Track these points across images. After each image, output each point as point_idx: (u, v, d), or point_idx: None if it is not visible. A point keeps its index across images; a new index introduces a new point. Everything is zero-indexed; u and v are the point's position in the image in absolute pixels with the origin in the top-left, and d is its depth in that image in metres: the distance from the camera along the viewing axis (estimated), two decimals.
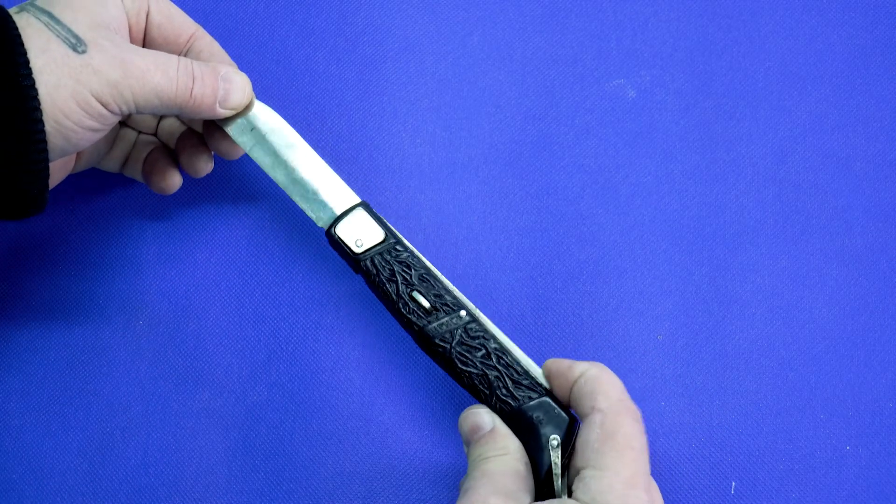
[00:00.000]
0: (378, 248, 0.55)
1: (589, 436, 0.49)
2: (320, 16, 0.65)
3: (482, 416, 0.52)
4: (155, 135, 0.61)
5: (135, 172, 0.60)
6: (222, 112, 0.55)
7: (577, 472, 0.49)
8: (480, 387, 0.53)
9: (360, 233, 0.55)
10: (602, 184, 0.62)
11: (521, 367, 0.53)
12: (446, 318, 0.53)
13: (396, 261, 0.55)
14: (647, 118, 0.63)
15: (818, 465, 0.58)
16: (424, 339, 0.53)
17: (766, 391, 0.59)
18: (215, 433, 0.59)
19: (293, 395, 0.59)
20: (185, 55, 0.57)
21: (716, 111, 0.63)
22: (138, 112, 0.52)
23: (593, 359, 0.59)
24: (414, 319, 0.53)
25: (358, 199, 0.56)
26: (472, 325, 0.53)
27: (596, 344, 0.60)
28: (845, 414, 0.59)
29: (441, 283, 0.54)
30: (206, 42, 0.57)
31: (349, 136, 0.63)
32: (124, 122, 0.60)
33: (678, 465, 0.58)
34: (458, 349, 0.53)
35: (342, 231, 0.55)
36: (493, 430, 0.52)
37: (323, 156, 0.63)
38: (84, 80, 0.49)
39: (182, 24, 0.56)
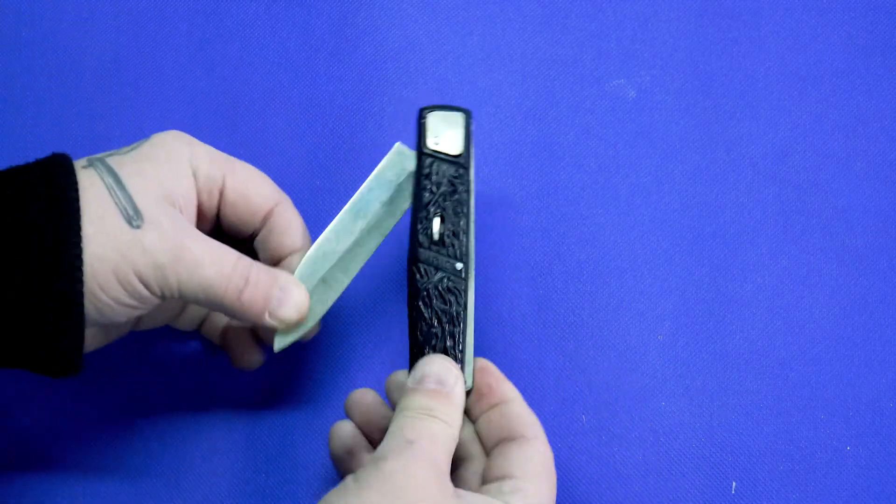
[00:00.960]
0: (448, 159, 0.53)
1: (530, 453, 0.49)
2: (321, 17, 0.65)
3: (451, 373, 0.50)
4: None
5: (213, 337, 0.58)
6: (269, 322, 0.51)
7: (505, 477, 0.48)
8: (418, 332, 0.51)
9: (444, 134, 0.54)
10: (602, 184, 0.62)
11: (462, 347, 0.51)
12: (442, 258, 0.52)
13: (449, 180, 0.53)
14: (647, 118, 0.63)
15: (818, 465, 0.58)
16: (412, 258, 0.52)
17: (767, 391, 0.59)
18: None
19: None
20: (259, 232, 0.54)
21: (716, 111, 0.63)
22: (182, 300, 0.49)
23: (594, 359, 0.59)
24: (418, 236, 0.52)
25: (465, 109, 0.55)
26: (456, 282, 0.52)
27: (596, 344, 0.60)
28: (846, 414, 0.59)
29: (465, 230, 0.53)
30: (285, 219, 0.53)
31: (350, 137, 0.63)
32: None
33: (678, 465, 0.58)
34: (431, 289, 0.52)
35: (432, 120, 0.54)
36: (453, 393, 0.49)
37: (323, 157, 0.63)
38: (130, 257, 0.46)
39: (259, 203, 0.53)
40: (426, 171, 0.53)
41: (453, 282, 0.52)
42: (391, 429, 0.47)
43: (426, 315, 0.51)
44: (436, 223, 0.53)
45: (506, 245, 0.62)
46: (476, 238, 0.62)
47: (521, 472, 0.48)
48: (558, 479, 0.57)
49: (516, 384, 0.59)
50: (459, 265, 0.52)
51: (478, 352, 0.59)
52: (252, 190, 0.53)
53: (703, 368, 0.59)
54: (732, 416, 0.58)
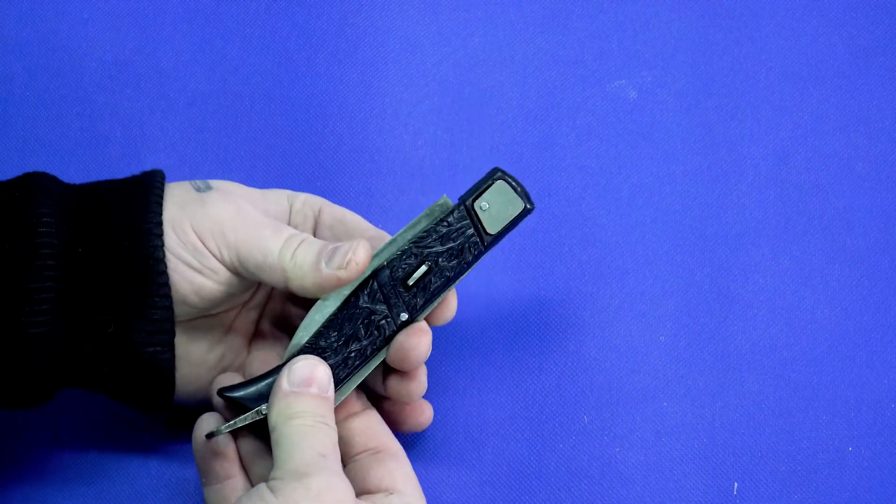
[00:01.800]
0: (478, 227, 0.51)
1: (407, 469, 0.50)
2: (321, 17, 0.65)
3: (328, 376, 0.50)
4: None
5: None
6: (327, 272, 0.49)
7: (392, 491, 0.49)
8: (321, 337, 0.51)
9: (495, 207, 0.51)
10: (603, 184, 0.62)
11: (344, 378, 0.51)
12: (398, 300, 0.51)
13: (463, 245, 0.51)
14: (648, 119, 0.63)
15: (820, 466, 0.58)
16: (373, 275, 0.51)
17: (769, 392, 0.59)
18: None
19: None
20: None
21: (717, 112, 0.63)
22: (240, 266, 0.49)
23: (596, 360, 0.59)
24: (395, 265, 0.51)
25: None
26: (388, 328, 0.51)
27: (598, 345, 0.59)
28: (847, 415, 0.58)
29: (435, 296, 0.51)
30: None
31: (350, 138, 0.63)
32: None
33: (680, 466, 0.58)
34: (364, 315, 0.51)
35: (497, 188, 0.51)
36: (331, 397, 0.49)
37: (324, 157, 0.63)
38: (189, 211, 0.49)
39: (356, 226, 0.53)
40: (452, 222, 0.51)
41: (388, 326, 0.51)
42: (290, 436, 0.47)
43: (344, 329, 0.51)
44: (420, 270, 0.51)
45: (507, 246, 0.61)
46: None
47: (405, 485, 0.49)
48: (561, 478, 0.57)
49: (518, 385, 0.59)
50: (405, 316, 0.51)
51: (478, 352, 0.59)
52: (349, 215, 0.54)
53: (704, 369, 0.59)
54: (734, 417, 0.58)
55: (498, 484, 0.57)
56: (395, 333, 0.51)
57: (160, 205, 0.49)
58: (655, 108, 0.64)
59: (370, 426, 0.52)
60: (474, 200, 0.51)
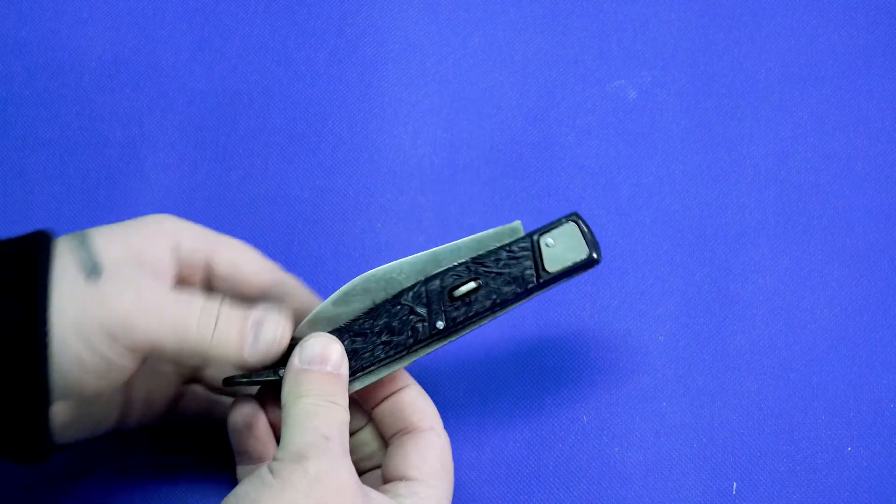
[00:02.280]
0: (537, 263, 0.50)
1: (425, 450, 0.49)
2: (321, 16, 0.65)
3: (339, 354, 0.48)
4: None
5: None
6: (249, 358, 0.47)
7: (402, 479, 0.49)
8: (360, 322, 0.50)
9: (559, 247, 0.50)
10: (603, 184, 0.62)
11: (370, 368, 0.50)
12: (440, 308, 0.50)
13: (516, 275, 0.50)
14: (648, 119, 0.63)
15: (820, 466, 0.58)
16: (431, 280, 0.51)
17: (768, 392, 0.59)
18: None
19: None
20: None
21: (717, 112, 0.63)
22: (153, 355, 0.46)
23: (596, 359, 0.59)
24: (449, 274, 0.50)
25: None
26: (423, 333, 0.50)
27: (597, 344, 0.59)
28: (847, 415, 0.58)
29: (479, 316, 0.50)
30: (289, 285, 0.51)
31: (350, 137, 0.63)
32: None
33: (679, 466, 0.58)
34: (407, 312, 0.50)
35: (566, 231, 0.50)
36: (344, 375, 0.48)
37: (323, 156, 0.63)
38: (89, 310, 0.44)
39: (252, 273, 0.50)
40: (515, 250, 0.50)
41: (423, 330, 0.50)
42: (297, 415, 0.46)
43: (380, 319, 0.50)
44: (469, 285, 0.50)
45: None
46: None
47: (417, 472, 0.49)
48: (560, 478, 0.57)
49: (517, 385, 0.59)
50: (441, 325, 0.50)
51: (477, 352, 0.59)
52: (242, 261, 0.50)
53: (704, 369, 0.59)
54: (733, 417, 0.58)
55: (497, 484, 0.57)
56: (428, 339, 0.50)
57: (46, 310, 0.44)
58: (655, 108, 0.64)
59: (399, 407, 0.51)
60: (542, 235, 0.50)
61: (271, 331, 0.48)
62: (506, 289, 0.50)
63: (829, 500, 0.57)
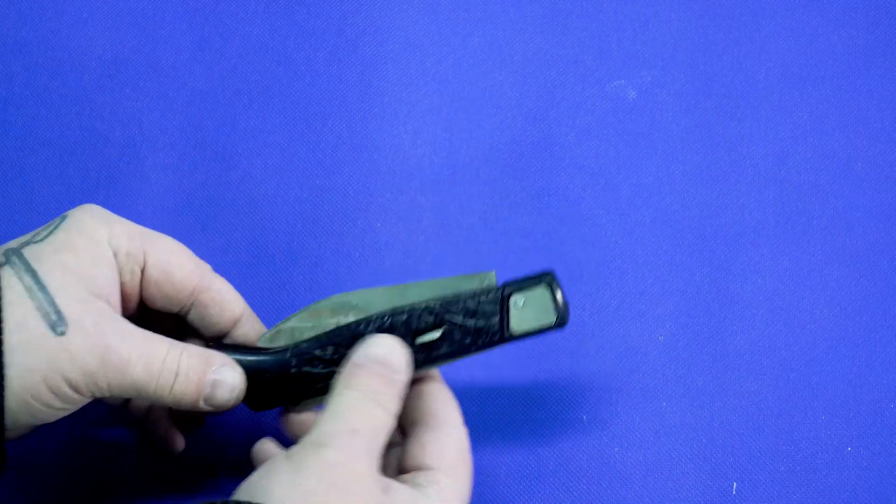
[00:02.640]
0: (505, 318, 0.50)
1: (444, 441, 0.49)
2: (321, 16, 0.65)
3: (402, 359, 0.48)
4: None
5: (138, 416, 0.55)
6: (205, 408, 0.49)
7: (421, 468, 0.48)
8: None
9: (528, 308, 0.50)
10: (603, 185, 0.62)
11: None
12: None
13: (482, 327, 0.50)
14: (647, 119, 0.63)
15: (819, 466, 0.58)
16: (396, 323, 0.51)
17: (768, 392, 0.59)
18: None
19: None
20: (191, 308, 0.52)
21: (717, 112, 0.63)
22: (113, 396, 0.48)
23: (595, 359, 0.59)
24: (413, 319, 0.50)
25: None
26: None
27: (597, 345, 0.59)
28: (847, 415, 0.58)
29: (437, 359, 0.50)
30: (215, 291, 0.52)
31: (349, 138, 0.63)
32: None
33: (679, 466, 0.58)
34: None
35: (536, 293, 0.50)
36: (399, 381, 0.48)
37: (322, 156, 0.63)
38: (58, 366, 0.45)
39: (182, 278, 0.51)
40: (484, 301, 0.50)
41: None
42: (334, 405, 0.46)
43: (340, 348, 0.50)
44: (434, 334, 0.50)
45: (506, 246, 0.61)
46: (477, 239, 0.62)
47: (437, 462, 0.48)
48: (559, 479, 0.57)
49: (516, 384, 0.59)
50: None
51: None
52: (175, 265, 0.51)
53: (703, 369, 0.59)
54: (733, 417, 0.58)
55: (497, 484, 0.57)
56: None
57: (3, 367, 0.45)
58: (655, 108, 0.64)
59: (420, 398, 0.50)
60: (512, 293, 0.50)
61: (227, 391, 0.50)
62: (468, 340, 0.50)
63: (829, 500, 0.57)
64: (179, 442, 0.55)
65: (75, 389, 0.46)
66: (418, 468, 0.48)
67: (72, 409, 0.47)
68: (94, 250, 0.48)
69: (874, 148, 0.63)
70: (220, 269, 0.61)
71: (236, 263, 0.61)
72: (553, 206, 0.62)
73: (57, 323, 0.45)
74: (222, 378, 0.49)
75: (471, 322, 0.50)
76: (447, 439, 0.49)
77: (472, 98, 0.64)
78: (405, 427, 0.51)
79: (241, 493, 0.44)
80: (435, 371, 0.51)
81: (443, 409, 0.50)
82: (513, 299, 0.50)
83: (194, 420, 0.55)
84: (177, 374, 0.48)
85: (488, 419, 0.58)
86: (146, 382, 0.47)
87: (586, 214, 0.62)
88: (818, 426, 0.58)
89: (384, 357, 0.48)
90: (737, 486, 0.57)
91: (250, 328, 0.53)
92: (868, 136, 0.63)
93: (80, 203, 0.62)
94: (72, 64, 0.64)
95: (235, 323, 0.52)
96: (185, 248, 0.52)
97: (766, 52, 0.64)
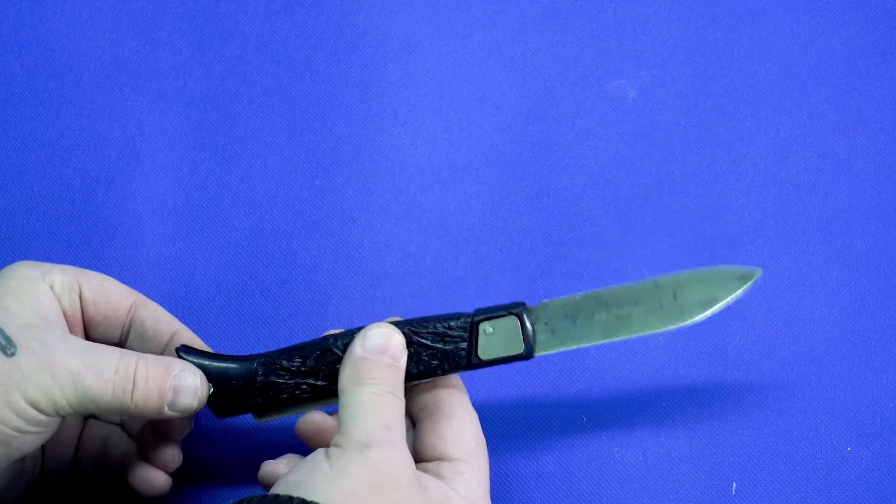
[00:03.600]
0: (473, 345, 0.50)
1: (461, 429, 0.49)
2: (320, 16, 0.65)
3: (401, 346, 0.49)
4: (122, 427, 0.55)
5: (130, 433, 0.55)
6: (171, 414, 0.49)
7: (442, 459, 0.48)
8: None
9: (496, 338, 0.50)
10: (602, 184, 0.62)
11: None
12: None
13: (451, 351, 0.50)
14: (647, 119, 0.63)
15: (819, 466, 0.58)
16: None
17: (767, 392, 0.59)
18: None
19: None
20: (130, 328, 0.53)
21: (716, 112, 0.63)
22: (79, 414, 0.48)
23: (595, 359, 0.59)
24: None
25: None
26: None
27: (597, 345, 0.59)
28: (846, 415, 0.58)
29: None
30: (149, 310, 0.53)
31: (349, 138, 0.63)
32: (92, 416, 0.55)
33: (679, 466, 0.58)
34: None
35: (504, 326, 0.51)
36: (402, 368, 0.49)
37: (322, 156, 0.63)
38: (15, 385, 0.46)
39: (118, 297, 0.53)
40: (454, 326, 0.50)
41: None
42: (360, 404, 0.47)
43: (308, 360, 0.51)
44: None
45: (506, 246, 0.61)
46: (477, 239, 0.61)
47: (456, 451, 0.49)
48: (559, 479, 0.57)
49: (517, 384, 0.59)
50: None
51: None
52: (108, 286, 0.52)
53: (703, 369, 0.59)
54: (733, 417, 0.58)
55: (496, 484, 0.57)
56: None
57: None
58: (655, 107, 0.64)
59: (429, 386, 0.51)
60: (483, 320, 0.51)
61: (191, 395, 0.50)
62: (434, 363, 0.50)
63: (829, 500, 0.57)
64: (175, 457, 0.54)
65: (36, 407, 0.46)
66: (438, 458, 0.49)
67: (43, 431, 0.47)
68: (31, 285, 0.50)
69: (874, 148, 0.63)
70: (220, 269, 0.61)
71: (236, 263, 0.61)
72: (553, 206, 0.62)
73: (6, 346, 0.46)
74: (183, 383, 0.49)
75: (438, 345, 0.50)
76: (464, 426, 0.50)
77: (472, 98, 0.64)
78: (415, 416, 0.51)
79: (283, 489, 0.44)
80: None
81: (453, 395, 0.51)
82: (482, 326, 0.50)
83: (177, 429, 0.54)
84: (135, 383, 0.48)
85: (488, 420, 0.58)
86: (101, 392, 0.47)
87: (586, 214, 0.62)
88: (818, 426, 0.58)
89: (385, 346, 0.49)
90: (736, 486, 0.57)
91: (189, 342, 0.53)
92: (868, 136, 0.63)
93: (80, 203, 0.62)
94: (71, 64, 0.64)
95: (173, 336, 0.53)
96: (115, 280, 0.54)
97: (766, 52, 0.64)
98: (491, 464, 0.57)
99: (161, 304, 0.60)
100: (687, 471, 0.58)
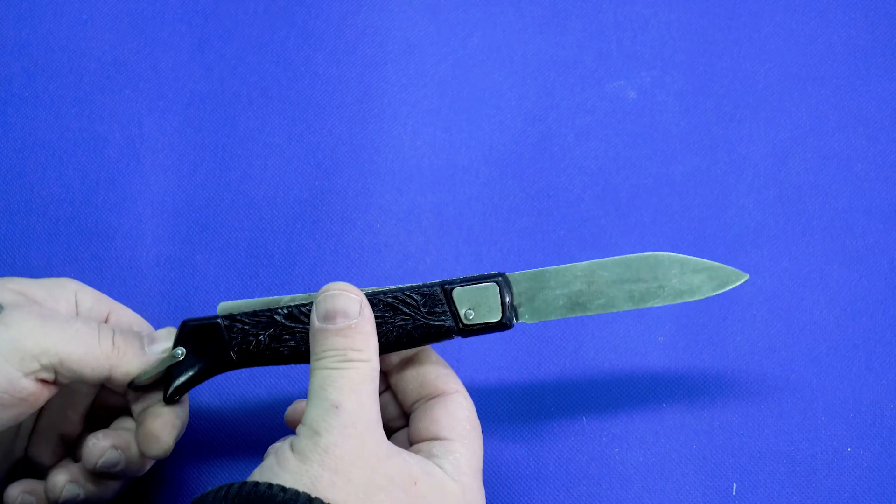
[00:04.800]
0: (453, 309, 0.50)
1: (455, 411, 0.49)
2: (320, 17, 0.65)
3: (353, 301, 0.48)
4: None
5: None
6: (150, 356, 0.50)
7: (434, 438, 0.48)
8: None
9: (479, 305, 0.50)
10: (602, 185, 0.62)
11: None
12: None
13: (429, 315, 0.50)
14: (647, 119, 0.63)
15: (819, 466, 0.58)
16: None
17: (767, 393, 0.59)
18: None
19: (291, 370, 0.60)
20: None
21: (716, 112, 0.63)
22: (62, 375, 0.48)
23: (595, 360, 0.59)
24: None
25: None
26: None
27: (597, 345, 0.59)
28: (846, 416, 0.59)
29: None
30: (121, 309, 0.54)
31: (349, 138, 0.63)
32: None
33: (680, 466, 0.58)
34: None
35: (487, 292, 0.50)
36: (361, 321, 0.48)
37: (322, 157, 0.63)
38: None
39: (96, 300, 0.53)
40: (430, 293, 0.50)
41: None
42: (314, 386, 0.46)
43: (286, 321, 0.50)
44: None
45: (506, 247, 0.61)
46: (477, 240, 0.61)
47: (450, 432, 0.49)
48: (560, 479, 0.57)
49: (517, 385, 0.59)
50: None
51: (476, 352, 0.59)
52: (135, 324, 0.53)
53: (703, 370, 0.59)
54: (733, 418, 0.58)
55: (497, 484, 0.57)
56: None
57: None
58: (655, 108, 0.64)
59: (422, 373, 0.51)
60: (459, 286, 0.50)
61: (164, 331, 0.51)
62: (408, 326, 0.49)
63: (829, 500, 0.57)
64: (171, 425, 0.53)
65: (20, 356, 0.46)
66: (430, 439, 0.49)
67: (36, 392, 0.47)
68: (54, 286, 0.52)
69: (874, 148, 0.63)
70: (220, 269, 0.61)
71: (236, 263, 0.61)
72: (553, 207, 0.62)
73: None
74: (155, 335, 0.51)
75: (414, 312, 0.49)
76: (458, 409, 0.49)
77: (472, 99, 0.64)
78: (408, 406, 0.51)
79: (257, 476, 0.45)
80: (428, 348, 0.52)
81: (446, 380, 0.50)
82: (458, 293, 0.50)
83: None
84: (114, 332, 0.49)
85: (488, 420, 0.58)
86: (86, 341, 0.48)
87: (586, 215, 0.62)
88: (818, 426, 0.58)
89: (334, 307, 0.48)
90: (737, 487, 0.57)
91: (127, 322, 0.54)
92: (867, 136, 0.63)
93: (81, 203, 0.62)
94: (71, 65, 0.64)
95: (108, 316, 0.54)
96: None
97: (766, 52, 0.64)
98: (491, 465, 0.57)
99: (161, 304, 0.61)
100: (687, 471, 0.58)
